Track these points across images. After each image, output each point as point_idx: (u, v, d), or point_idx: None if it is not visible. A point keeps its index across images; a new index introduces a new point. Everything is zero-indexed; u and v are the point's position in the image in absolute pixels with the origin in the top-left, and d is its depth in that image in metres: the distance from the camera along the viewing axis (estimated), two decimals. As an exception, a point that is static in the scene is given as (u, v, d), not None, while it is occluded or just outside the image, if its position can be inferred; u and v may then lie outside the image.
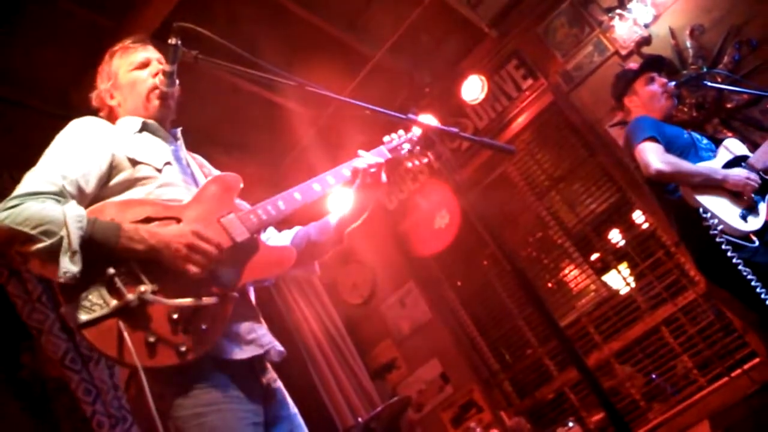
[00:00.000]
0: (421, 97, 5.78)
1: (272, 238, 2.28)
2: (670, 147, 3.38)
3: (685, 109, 4.77)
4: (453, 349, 5.84)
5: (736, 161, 3.42)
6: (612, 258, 5.32)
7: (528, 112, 5.56)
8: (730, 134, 4.62)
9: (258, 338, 1.94)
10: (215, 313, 1.77)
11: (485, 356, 5.82)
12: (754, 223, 3.21)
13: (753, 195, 3.31)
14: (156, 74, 2.17)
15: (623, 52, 5.03)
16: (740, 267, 2.99)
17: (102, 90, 2.22)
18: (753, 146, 4.27)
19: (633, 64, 3.80)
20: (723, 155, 3.46)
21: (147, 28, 3.84)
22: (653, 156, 3.28)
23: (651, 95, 3.60)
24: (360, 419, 4.67)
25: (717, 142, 3.65)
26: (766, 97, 4.29)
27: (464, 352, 5.81)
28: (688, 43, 4.78)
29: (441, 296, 6.05)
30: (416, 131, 2.49)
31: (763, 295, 2.92)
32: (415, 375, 6.00)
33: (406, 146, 2.46)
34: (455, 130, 2.30)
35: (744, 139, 4.51)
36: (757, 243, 3.15)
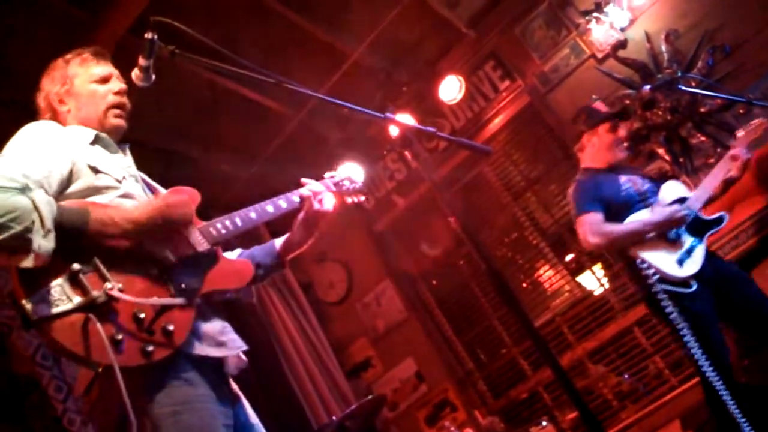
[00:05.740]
0: (399, 96, 5.78)
1: None
2: (610, 207, 3.47)
3: (660, 113, 4.82)
4: (428, 348, 5.85)
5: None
6: (586, 259, 5.36)
7: (505, 113, 5.59)
8: (703, 138, 4.68)
9: (229, 341, 1.94)
10: (179, 316, 1.76)
11: (460, 355, 5.84)
12: (690, 268, 3.29)
13: (691, 238, 3.38)
14: (117, 92, 2.16)
15: (599, 55, 5.08)
16: (673, 316, 3.01)
17: (51, 92, 2.16)
18: (726, 150, 4.33)
19: (599, 104, 3.89)
20: (662, 200, 3.51)
21: (123, 22, 3.80)
22: (589, 231, 3.42)
23: (609, 143, 3.69)
24: (334, 418, 4.66)
25: (660, 182, 3.69)
26: (738, 101, 4.35)
27: (439, 351, 5.83)
28: (663, 48, 4.83)
29: (417, 295, 6.06)
30: (356, 173, 2.68)
31: (693, 350, 2.92)
32: (390, 374, 6.01)
33: (347, 183, 2.59)
34: (433, 129, 2.31)
35: (717, 143, 4.59)
36: (695, 287, 3.22)
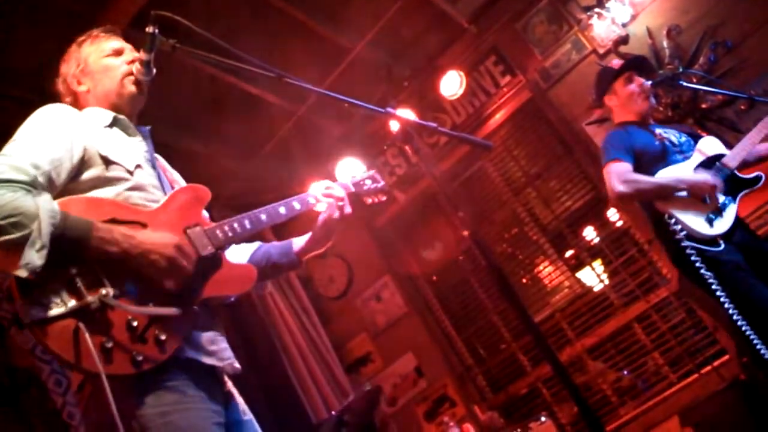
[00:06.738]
0: (400, 92, 5.78)
1: (231, 252, 2.24)
2: (641, 159, 3.39)
3: (661, 109, 4.82)
4: (428, 344, 5.86)
5: (711, 161, 3.41)
6: (586, 255, 5.37)
7: (506, 108, 5.59)
8: (705, 134, 4.67)
9: (219, 351, 1.92)
10: (174, 325, 1.73)
11: (459, 351, 5.85)
12: (720, 226, 3.21)
13: (723, 196, 3.30)
14: (131, 62, 2.13)
15: (601, 51, 5.07)
16: (702, 271, 3.01)
17: (68, 75, 2.16)
18: (727, 147, 4.33)
19: (616, 61, 3.81)
20: (698, 155, 3.44)
21: (124, 16, 3.79)
22: (616, 178, 3.34)
23: (629, 95, 3.60)
24: (334, 413, 4.67)
25: (698, 137, 3.63)
26: (740, 98, 4.34)
27: (439, 347, 5.84)
28: (665, 43, 4.83)
29: (416, 291, 6.06)
30: (377, 175, 2.63)
31: (726, 304, 2.93)
32: (389, 369, 6.01)
33: (368, 182, 2.57)
34: (433, 124, 2.30)
35: (718, 139, 4.58)
36: (722, 246, 3.15)
